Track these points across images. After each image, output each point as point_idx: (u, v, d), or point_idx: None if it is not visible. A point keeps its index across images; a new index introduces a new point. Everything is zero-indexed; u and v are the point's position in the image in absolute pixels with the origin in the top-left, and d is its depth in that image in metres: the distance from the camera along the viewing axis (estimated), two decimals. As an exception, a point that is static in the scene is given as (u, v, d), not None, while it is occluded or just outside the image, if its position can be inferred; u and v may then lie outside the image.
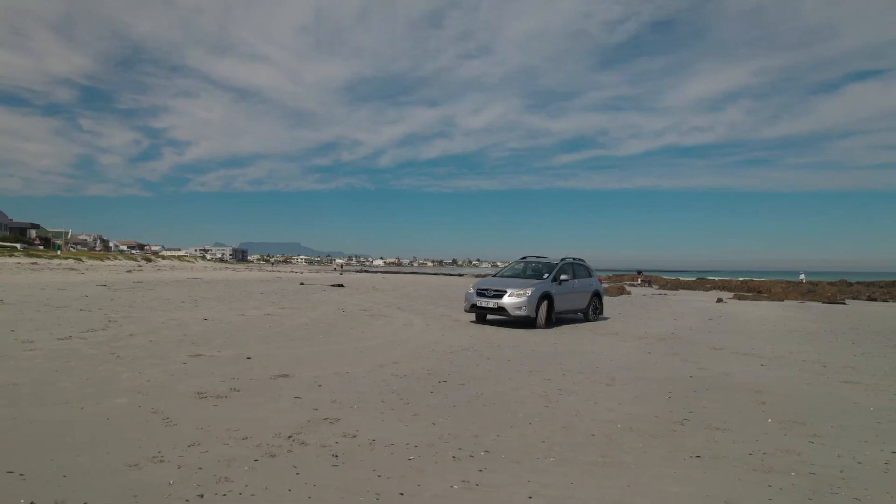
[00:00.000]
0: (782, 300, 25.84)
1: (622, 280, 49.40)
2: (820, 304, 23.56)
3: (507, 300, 11.07)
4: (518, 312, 10.99)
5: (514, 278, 12.32)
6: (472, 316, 12.38)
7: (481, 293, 11.52)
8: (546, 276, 12.09)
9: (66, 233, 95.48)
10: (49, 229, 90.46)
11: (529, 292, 11.09)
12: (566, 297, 12.21)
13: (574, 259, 13.29)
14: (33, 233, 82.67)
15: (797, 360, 8.46)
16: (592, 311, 13.24)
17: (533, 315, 11.10)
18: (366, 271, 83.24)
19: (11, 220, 79.77)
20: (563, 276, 12.12)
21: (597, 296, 13.39)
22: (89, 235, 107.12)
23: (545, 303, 11.33)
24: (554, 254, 13.41)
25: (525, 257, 13.69)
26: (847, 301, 26.70)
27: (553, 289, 11.72)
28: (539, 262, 12.99)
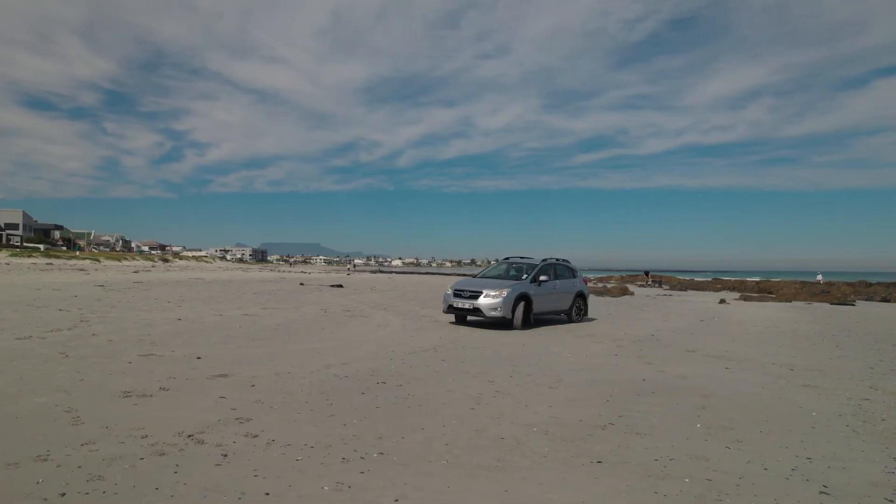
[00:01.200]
0: (790, 301, 25.26)
1: (635, 281, 48.86)
2: (826, 306, 22.98)
3: (482, 301, 11.02)
4: (493, 313, 10.94)
5: (492, 279, 12.27)
6: (453, 317, 12.35)
7: (458, 294, 11.50)
8: (525, 276, 12.02)
9: (89, 234, 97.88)
10: (73, 230, 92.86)
11: (505, 293, 11.03)
12: (546, 298, 12.10)
13: (557, 260, 13.18)
14: (57, 234, 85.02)
15: (767, 362, 8.27)
16: (576, 312, 13.10)
17: (509, 316, 11.03)
18: (381, 272, 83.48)
19: (36, 221, 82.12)
20: (542, 277, 12.03)
21: (581, 297, 13.25)
22: (112, 236, 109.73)
23: (522, 304, 11.26)
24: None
25: (508, 258, 13.63)
26: (858, 302, 25.99)
27: (531, 290, 11.63)
28: (522, 263, 12.92)
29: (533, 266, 12.43)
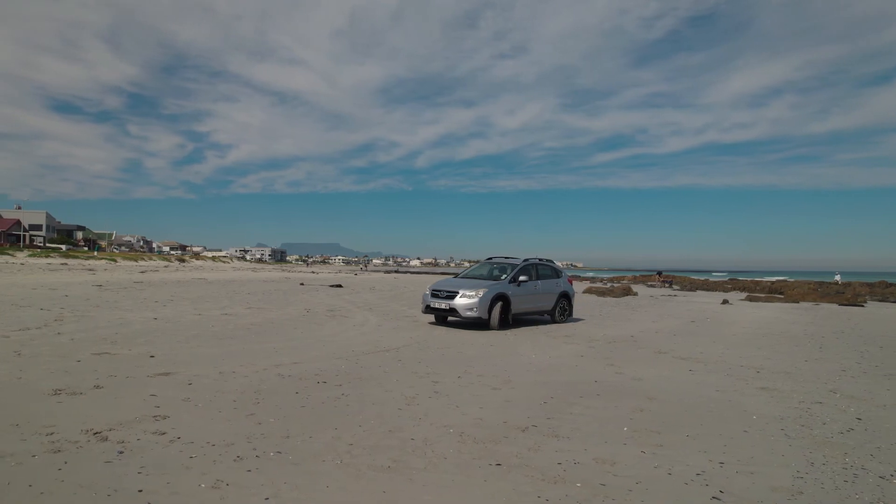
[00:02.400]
0: (797, 302, 24.65)
1: (648, 281, 48.38)
2: (834, 306, 22.36)
3: (458, 301, 10.98)
4: (469, 314, 10.89)
5: (471, 279, 12.23)
6: (433, 317, 12.31)
7: (435, 294, 11.47)
8: (504, 277, 11.94)
9: (111, 234, 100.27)
10: (95, 231, 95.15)
11: (481, 293, 10.97)
12: (526, 299, 12.00)
13: (540, 260, 13.05)
14: (79, 235, 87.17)
15: (736, 364, 8.09)
16: (559, 312, 12.96)
17: (485, 317, 10.97)
18: (397, 272, 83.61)
19: (59, 222, 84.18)
20: (522, 277, 11.92)
21: (565, 297, 13.10)
22: (133, 237, 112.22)
23: (499, 304, 11.17)
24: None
25: (491, 258, 13.55)
26: (870, 303, 25.26)
27: (510, 290, 11.54)
28: (504, 263, 12.83)
29: (514, 266, 12.33)
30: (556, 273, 13.25)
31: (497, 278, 12.08)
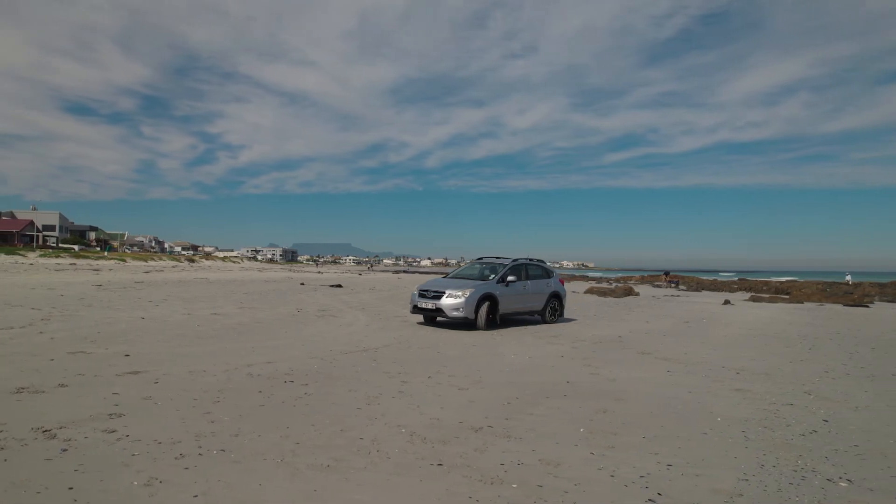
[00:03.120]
0: (802, 302, 24.32)
1: (654, 281, 48.12)
2: (838, 307, 22.02)
3: (444, 301, 10.97)
4: (455, 314, 10.87)
5: (459, 279, 12.21)
6: (422, 317, 12.30)
7: (422, 294, 11.47)
8: (492, 277, 11.91)
9: (123, 235, 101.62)
10: (107, 231, 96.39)
11: (468, 293, 10.94)
12: (514, 299, 11.96)
13: (530, 260, 13.00)
14: (92, 235, 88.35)
15: (718, 365, 8.00)
16: (550, 312, 12.90)
17: (471, 317, 10.94)
18: (406, 272, 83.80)
19: (72, 223, 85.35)
20: (510, 278, 11.88)
21: (555, 297, 13.04)
22: (145, 237, 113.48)
23: (486, 304, 11.14)
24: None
25: (481, 258, 13.53)
26: (877, 303, 24.84)
27: (497, 290, 11.51)
28: (494, 263, 12.80)
29: (504, 266, 12.30)
30: (546, 273, 13.18)
31: (486, 278, 12.05)
